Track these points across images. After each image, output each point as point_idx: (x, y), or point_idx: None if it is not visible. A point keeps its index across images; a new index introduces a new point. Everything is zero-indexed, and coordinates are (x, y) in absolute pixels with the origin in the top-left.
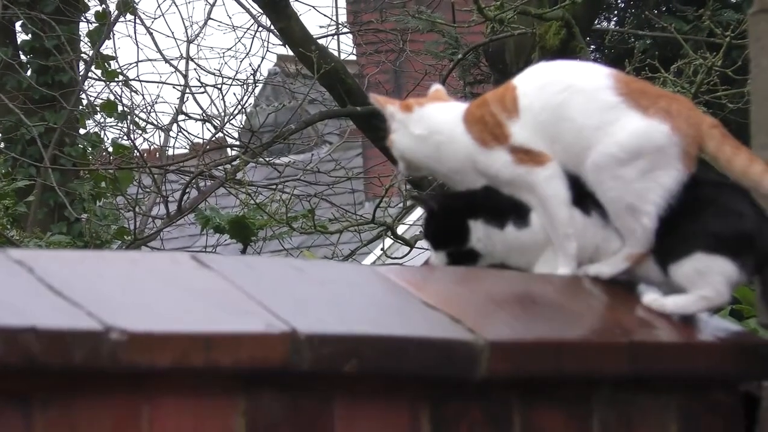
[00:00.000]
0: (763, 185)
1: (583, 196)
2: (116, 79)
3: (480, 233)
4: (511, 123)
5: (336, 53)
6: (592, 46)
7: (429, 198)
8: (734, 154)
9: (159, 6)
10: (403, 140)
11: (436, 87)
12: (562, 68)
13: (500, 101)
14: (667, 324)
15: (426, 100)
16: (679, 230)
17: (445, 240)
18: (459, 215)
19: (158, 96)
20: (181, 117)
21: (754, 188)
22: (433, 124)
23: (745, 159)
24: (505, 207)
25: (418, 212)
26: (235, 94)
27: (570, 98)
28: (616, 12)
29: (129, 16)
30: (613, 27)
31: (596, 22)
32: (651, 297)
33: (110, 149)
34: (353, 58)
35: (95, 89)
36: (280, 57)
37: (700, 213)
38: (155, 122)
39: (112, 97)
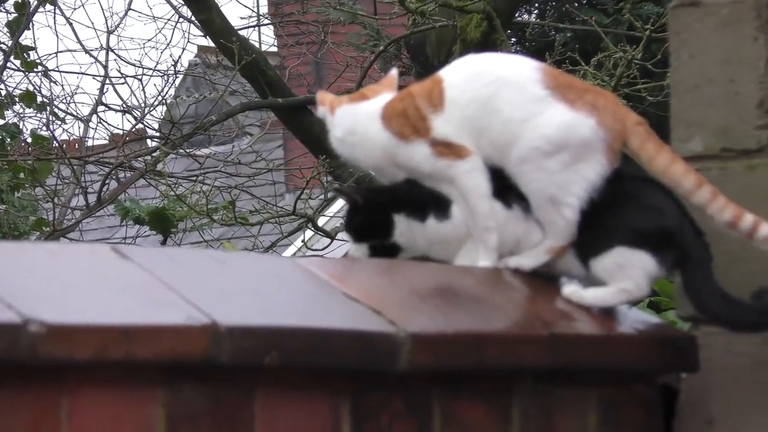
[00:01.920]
0: (683, 185)
1: (505, 189)
2: (35, 69)
3: (403, 227)
4: (435, 116)
5: (257, 45)
6: (513, 39)
7: (352, 191)
8: (657, 152)
9: None
10: (331, 141)
11: (390, 74)
12: (490, 61)
13: (427, 94)
14: (588, 316)
15: (369, 90)
16: (601, 224)
17: (368, 233)
18: (383, 209)
19: (78, 87)
20: (100, 108)
21: (674, 188)
22: (347, 126)
23: (666, 158)
24: (426, 200)
25: (339, 204)
26: (155, 85)
27: (498, 91)
28: (536, 5)
29: (48, 6)
30: (533, 20)
31: (517, 14)
32: (571, 289)
33: (29, 140)
34: (274, 49)
35: (14, 80)
36: (201, 48)
37: (621, 208)
38: (75, 113)
39: (31, 88)
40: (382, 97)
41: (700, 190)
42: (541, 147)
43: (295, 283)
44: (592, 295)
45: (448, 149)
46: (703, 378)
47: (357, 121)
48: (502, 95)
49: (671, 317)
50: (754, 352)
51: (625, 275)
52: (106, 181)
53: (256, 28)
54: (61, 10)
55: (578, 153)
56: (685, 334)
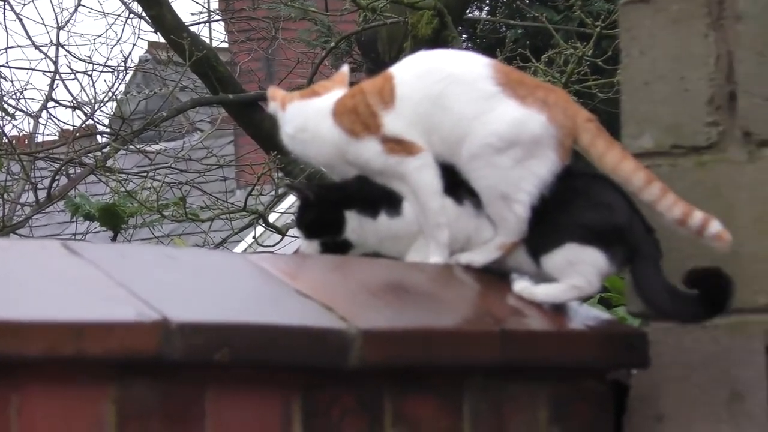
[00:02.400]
0: (633, 182)
1: (456, 185)
2: None
3: (354, 223)
4: (386, 113)
5: (208, 41)
6: (464, 36)
7: (304, 187)
8: (607, 149)
9: None
10: (282, 137)
11: (341, 70)
12: (441, 57)
13: (378, 91)
14: (539, 313)
15: (320, 87)
16: (551, 221)
17: (319, 229)
18: (334, 205)
19: (28, 82)
20: (50, 104)
21: (624, 184)
22: (298, 122)
23: (616, 155)
24: (377, 196)
25: (290, 200)
26: (105, 81)
27: (449, 88)
28: (488, 1)
29: None
30: (484, 16)
31: (468, 11)
32: (521, 285)
33: None
34: (225, 45)
35: None
36: (152, 44)
37: (572, 204)
38: (24, 109)
39: None
40: (333, 93)
41: (649, 187)
42: (492, 143)
43: (246, 279)
44: (543, 292)
45: (398, 146)
46: (653, 374)
47: (308, 117)
48: (452, 92)
49: (622, 313)
50: (705, 347)
51: (576, 272)
52: (56, 177)
53: (207, 24)
54: (10, 6)
55: (529, 149)
56: (635, 330)
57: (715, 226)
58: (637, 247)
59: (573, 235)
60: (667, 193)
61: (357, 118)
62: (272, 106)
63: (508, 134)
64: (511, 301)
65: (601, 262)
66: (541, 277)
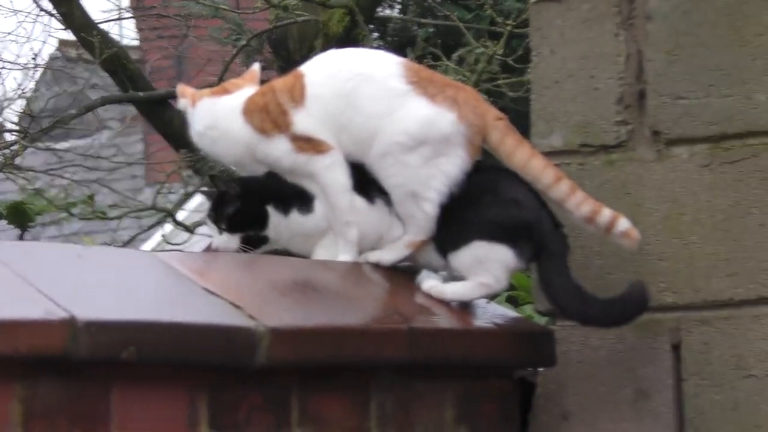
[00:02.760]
0: (542, 180)
1: (367, 183)
2: None
3: (274, 219)
4: (296, 111)
5: (119, 38)
6: (376, 34)
7: (228, 180)
8: (516, 147)
9: None
10: (192, 133)
11: (252, 68)
12: (352, 56)
13: (288, 89)
14: (446, 311)
15: (230, 85)
16: (460, 218)
17: (243, 224)
18: (259, 200)
19: None
20: None
21: (533, 182)
22: (209, 120)
23: (525, 153)
24: (290, 193)
25: (199, 198)
26: (15, 78)
27: (359, 86)
28: (399, 0)
29: None
30: (396, 15)
31: (379, 9)
32: (430, 284)
33: None
34: (136, 43)
35: None
36: (62, 42)
37: (479, 201)
38: None
39: None
40: (243, 91)
41: (558, 185)
42: (402, 141)
43: (154, 277)
44: (452, 290)
45: (308, 144)
46: (559, 372)
47: (218, 115)
48: (363, 90)
49: (529, 311)
50: (610, 346)
51: (484, 269)
52: None
53: (118, 22)
54: None
55: (439, 148)
56: (542, 329)
57: (623, 224)
58: (545, 243)
59: (481, 232)
60: (576, 190)
61: (267, 117)
62: (182, 103)
63: (417, 132)
64: (419, 300)
65: (508, 258)
66: (451, 274)
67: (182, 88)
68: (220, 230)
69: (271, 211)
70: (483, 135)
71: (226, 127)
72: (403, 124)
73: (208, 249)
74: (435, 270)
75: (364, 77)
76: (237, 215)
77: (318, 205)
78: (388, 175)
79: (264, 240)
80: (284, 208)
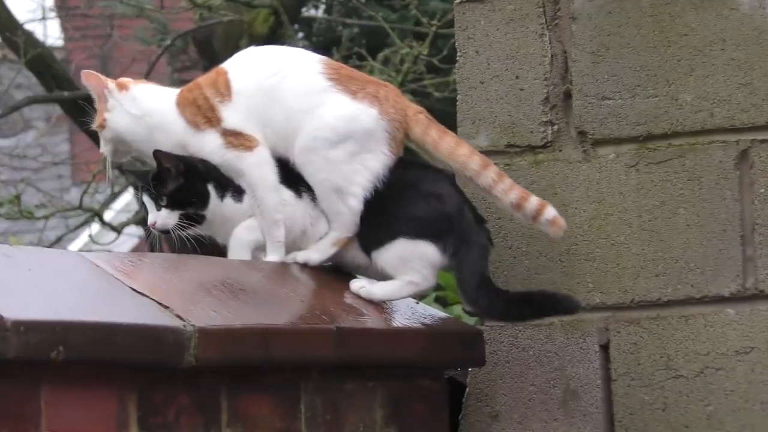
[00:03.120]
0: (469, 167)
1: (295, 177)
2: None
3: (213, 200)
4: (224, 107)
5: (43, 38)
6: (301, 34)
7: (175, 157)
8: (440, 137)
9: None
10: (119, 120)
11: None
12: (273, 53)
13: (213, 85)
14: (375, 311)
15: (142, 80)
16: (383, 216)
17: (185, 201)
18: (202, 178)
19: None
20: None
21: (461, 170)
22: (146, 105)
23: (451, 142)
24: (227, 178)
25: (126, 198)
26: None
27: (281, 82)
28: (324, 0)
29: None
30: (321, 15)
31: (304, 9)
32: (359, 285)
33: None
34: (61, 43)
35: None
36: None
37: (402, 197)
38: None
39: None
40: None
41: (486, 171)
42: (325, 137)
43: (82, 277)
44: (380, 290)
45: (237, 140)
46: (489, 372)
47: (157, 102)
48: (284, 86)
49: (457, 312)
50: (539, 346)
51: (410, 267)
52: None
53: (42, 21)
54: None
55: (362, 143)
56: (471, 329)
57: (550, 212)
58: (466, 236)
59: (404, 229)
60: (503, 177)
61: (198, 111)
62: (111, 86)
63: (341, 128)
64: (347, 300)
65: (433, 255)
66: (377, 273)
67: (94, 75)
68: (159, 206)
69: (212, 191)
70: (405, 130)
71: (163, 115)
72: (325, 120)
73: (136, 249)
74: (359, 268)
75: (285, 73)
76: (179, 192)
77: (246, 199)
78: (312, 170)
79: (202, 219)
80: (221, 192)
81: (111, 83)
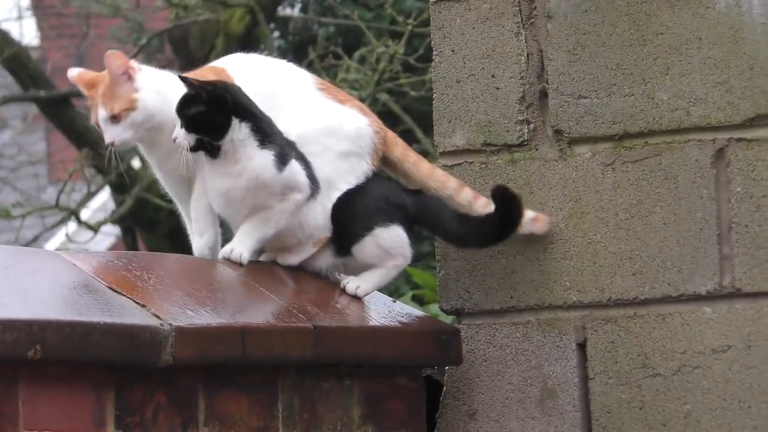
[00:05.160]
0: (447, 186)
1: None
2: None
3: (237, 134)
4: None
5: (19, 38)
6: (277, 33)
7: (202, 85)
8: (419, 159)
9: None
10: (151, 98)
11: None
12: (266, 61)
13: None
14: (352, 309)
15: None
16: (352, 214)
17: (199, 127)
18: (225, 110)
19: None
20: None
21: (440, 189)
22: (158, 84)
23: (428, 164)
24: (276, 132)
25: (103, 197)
26: None
27: (279, 89)
28: None
29: None
30: (296, 14)
31: (280, 8)
32: (354, 285)
33: None
34: (37, 42)
35: None
36: None
37: (364, 197)
38: None
39: None
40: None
41: (463, 190)
42: (327, 127)
43: (58, 276)
44: (371, 282)
45: None
46: (466, 370)
47: (162, 82)
48: (283, 91)
49: (434, 311)
50: (517, 344)
51: (392, 251)
52: None
53: (18, 21)
54: None
55: (354, 145)
56: (448, 327)
57: (529, 213)
58: (418, 208)
59: (377, 219)
60: (478, 195)
61: None
62: (140, 67)
63: (336, 127)
64: (325, 299)
65: (404, 235)
66: (348, 269)
67: (114, 54)
68: (181, 125)
69: (244, 128)
70: (384, 147)
71: (171, 94)
72: (323, 120)
73: (113, 248)
74: (325, 269)
75: (282, 80)
76: (197, 117)
77: (294, 167)
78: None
79: (217, 150)
80: (261, 139)
81: (134, 63)
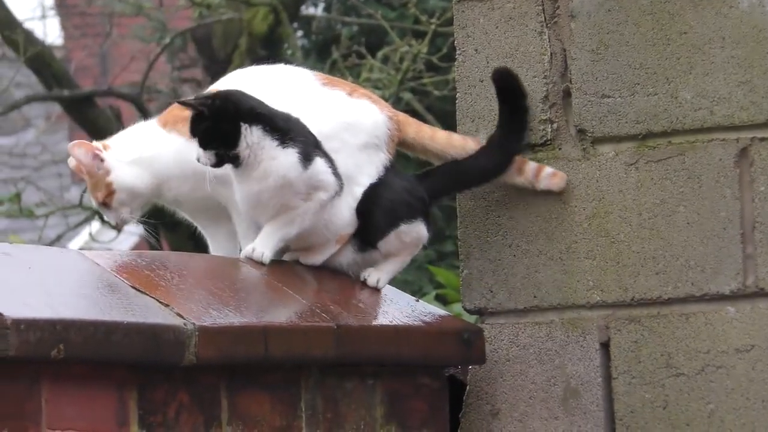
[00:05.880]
0: (466, 147)
1: None
2: None
3: (252, 139)
4: None
5: (43, 36)
6: (300, 32)
7: (203, 99)
8: (433, 131)
9: None
10: (125, 174)
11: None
12: (264, 71)
13: None
14: (375, 309)
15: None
16: (380, 209)
17: (213, 141)
18: (232, 119)
19: None
20: None
21: (460, 151)
22: (134, 147)
23: (443, 133)
24: (303, 134)
25: None
26: None
27: (285, 93)
28: None
29: None
30: (320, 13)
31: (304, 8)
32: (375, 278)
33: None
34: (60, 41)
35: None
36: None
37: (389, 191)
38: None
39: None
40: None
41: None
42: (345, 121)
43: (82, 275)
44: (387, 274)
45: None
46: (489, 370)
47: (139, 138)
48: (288, 95)
49: (457, 310)
50: (540, 344)
51: (410, 246)
52: None
53: (42, 20)
54: None
55: (370, 136)
56: (472, 327)
57: (548, 169)
58: (432, 191)
59: (402, 215)
60: None
61: None
62: (104, 155)
63: (352, 119)
64: (347, 298)
65: (424, 230)
66: (364, 264)
67: (78, 143)
68: (199, 145)
69: (245, 130)
70: (400, 131)
71: (154, 145)
72: (340, 115)
73: (136, 247)
74: (345, 266)
75: (285, 86)
76: (208, 132)
77: (319, 164)
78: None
79: (236, 159)
80: (281, 138)
81: (97, 151)
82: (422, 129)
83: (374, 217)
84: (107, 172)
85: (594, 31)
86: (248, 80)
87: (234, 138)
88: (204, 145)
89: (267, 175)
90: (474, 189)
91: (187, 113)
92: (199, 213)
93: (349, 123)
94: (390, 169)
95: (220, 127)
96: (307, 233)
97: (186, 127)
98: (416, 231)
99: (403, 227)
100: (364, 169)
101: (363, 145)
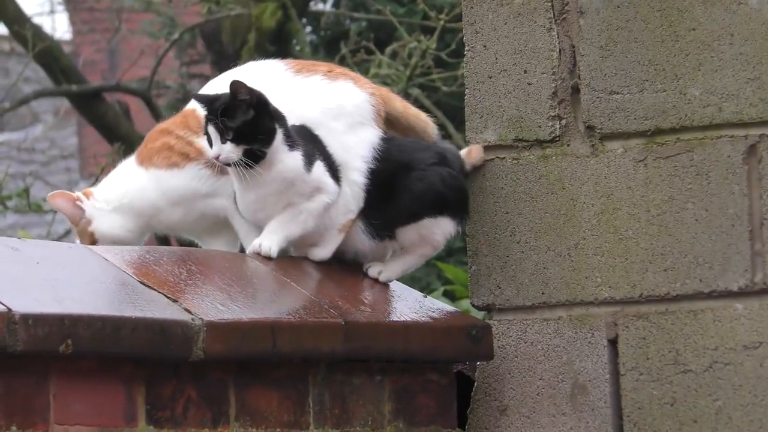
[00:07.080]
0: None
1: None
2: None
3: (279, 139)
4: (201, 140)
5: (51, 32)
6: (308, 28)
7: (251, 88)
8: (418, 110)
9: None
10: (105, 223)
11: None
12: (234, 75)
13: (183, 125)
14: (383, 305)
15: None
16: (401, 194)
17: (250, 137)
18: (271, 117)
19: None
20: None
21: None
22: (114, 192)
23: (417, 110)
24: (318, 143)
25: None
26: None
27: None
28: None
29: None
30: (328, 9)
31: (312, 3)
32: (376, 270)
33: None
34: (69, 36)
35: None
36: None
37: (421, 181)
38: None
39: None
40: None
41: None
42: (329, 107)
43: (90, 271)
44: (395, 270)
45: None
46: (498, 366)
47: (117, 182)
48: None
49: (465, 306)
50: (548, 340)
51: (430, 242)
52: None
53: (50, 15)
54: None
55: (354, 115)
56: (480, 323)
57: (463, 150)
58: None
59: (428, 208)
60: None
61: (171, 152)
62: (85, 205)
63: (335, 107)
64: (355, 293)
65: (451, 228)
66: (379, 253)
67: (57, 194)
68: (224, 139)
69: (278, 128)
70: (387, 105)
71: (132, 184)
72: (321, 103)
73: (145, 243)
74: (360, 253)
75: (259, 83)
76: (247, 126)
77: (318, 170)
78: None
79: (263, 156)
80: (292, 143)
81: (78, 203)
82: (407, 104)
83: (401, 200)
84: (89, 222)
85: (603, 27)
86: (224, 86)
87: (272, 135)
88: (239, 139)
89: (275, 178)
90: None
91: (161, 142)
92: (195, 233)
93: (331, 108)
94: (430, 162)
95: (262, 121)
96: (310, 234)
97: (161, 158)
98: (439, 228)
99: (426, 221)
100: (356, 151)
101: (349, 128)
